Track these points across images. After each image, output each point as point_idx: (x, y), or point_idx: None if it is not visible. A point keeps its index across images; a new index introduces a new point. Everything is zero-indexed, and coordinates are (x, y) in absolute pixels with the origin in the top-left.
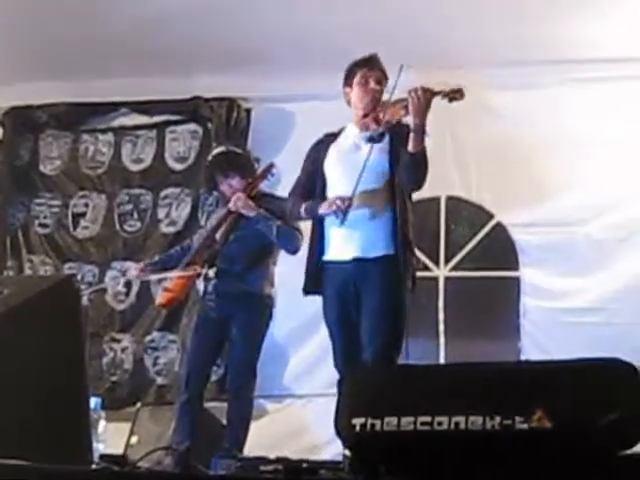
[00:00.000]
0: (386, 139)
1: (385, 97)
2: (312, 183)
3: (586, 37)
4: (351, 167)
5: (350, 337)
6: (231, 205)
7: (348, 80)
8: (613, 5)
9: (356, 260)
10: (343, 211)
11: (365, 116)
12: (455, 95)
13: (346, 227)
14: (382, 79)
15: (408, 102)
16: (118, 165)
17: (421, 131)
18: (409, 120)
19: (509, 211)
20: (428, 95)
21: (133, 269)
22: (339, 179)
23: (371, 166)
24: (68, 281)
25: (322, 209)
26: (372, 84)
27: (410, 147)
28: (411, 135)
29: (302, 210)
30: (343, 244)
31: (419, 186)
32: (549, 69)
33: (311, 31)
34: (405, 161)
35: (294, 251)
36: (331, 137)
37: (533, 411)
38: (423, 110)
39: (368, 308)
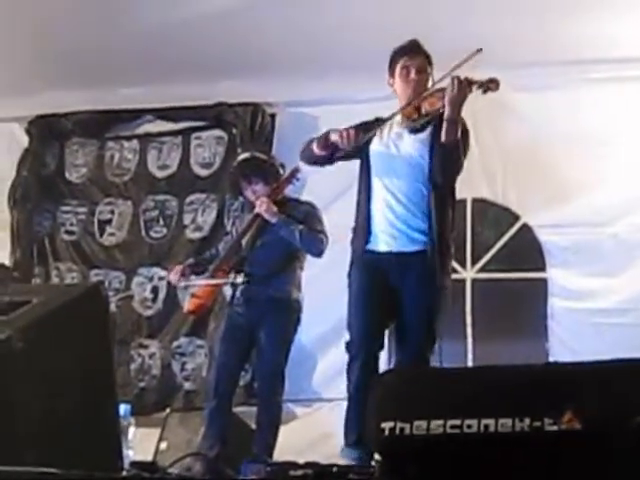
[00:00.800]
0: (428, 130)
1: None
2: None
3: (607, 37)
4: (393, 157)
5: (375, 319)
6: (257, 209)
7: (390, 70)
8: (634, 5)
9: (392, 254)
10: (350, 142)
11: (407, 106)
12: (490, 85)
13: (386, 218)
14: (424, 65)
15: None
16: (144, 172)
17: (454, 121)
18: None
19: (535, 212)
20: (465, 85)
21: (173, 273)
22: (383, 166)
23: (410, 158)
24: (96, 289)
25: (334, 136)
26: (413, 74)
27: (442, 137)
28: (444, 125)
29: (314, 143)
30: (382, 235)
31: (450, 178)
32: (571, 69)
33: (334, 36)
34: (437, 152)
35: (319, 254)
36: (381, 122)
37: (563, 412)
38: (458, 100)
39: (406, 306)
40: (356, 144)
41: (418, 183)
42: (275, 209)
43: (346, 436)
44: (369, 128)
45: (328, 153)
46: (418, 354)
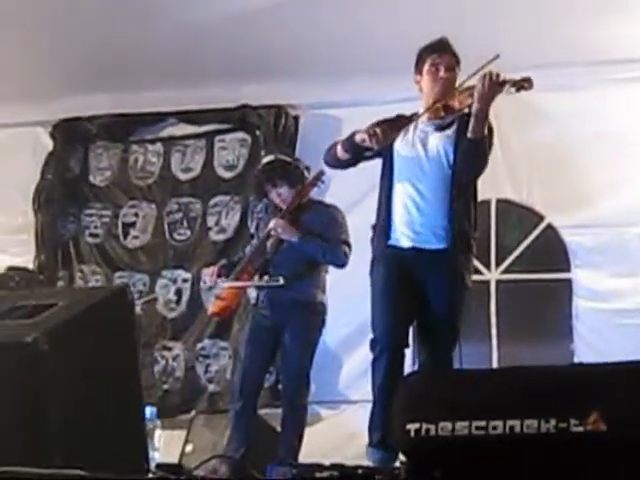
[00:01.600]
0: (454, 127)
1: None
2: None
3: (633, 37)
4: (419, 153)
5: (400, 316)
6: (272, 231)
7: (418, 67)
8: None
9: (415, 249)
10: (378, 139)
11: (435, 103)
12: (524, 84)
13: (409, 214)
14: (453, 64)
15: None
16: (167, 175)
17: (482, 117)
18: None
19: (560, 213)
20: (496, 83)
21: (210, 274)
22: (407, 163)
23: (436, 155)
24: (122, 292)
25: (359, 137)
26: (442, 72)
27: (469, 133)
28: (471, 120)
29: (339, 147)
30: (406, 231)
31: (474, 174)
32: (596, 69)
33: (357, 37)
34: (464, 147)
35: (342, 265)
36: (404, 119)
37: (588, 414)
38: (488, 97)
39: (430, 304)
40: (386, 143)
41: (442, 181)
42: (293, 229)
43: (370, 436)
44: (394, 126)
45: (353, 155)
46: (442, 354)
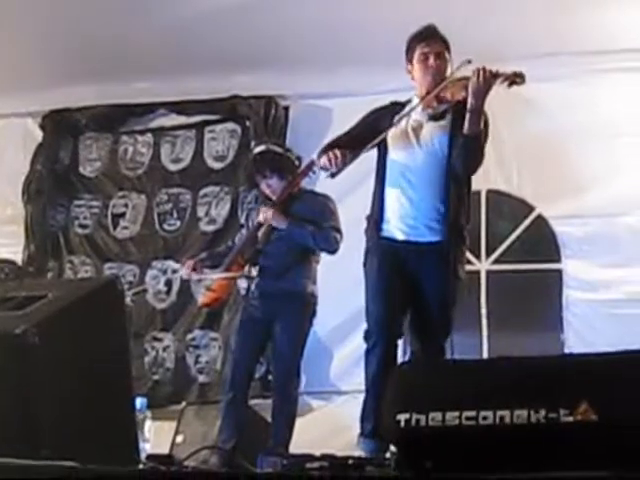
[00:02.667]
0: (448, 118)
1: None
2: (361, 142)
3: (623, 27)
4: (412, 143)
5: (393, 307)
6: (261, 219)
7: (408, 56)
8: None
9: (408, 242)
10: (337, 166)
11: (427, 93)
12: (516, 79)
13: (402, 206)
14: (442, 50)
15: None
16: (157, 165)
17: (477, 113)
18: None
19: (550, 203)
20: (489, 77)
21: (186, 267)
22: (401, 153)
23: (430, 146)
24: (112, 283)
25: (322, 159)
26: (431, 60)
27: (465, 128)
28: (467, 116)
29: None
30: (399, 223)
31: (472, 170)
32: (586, 60)
33: (347, 27)
34: (459, 143)
35: (333, 252)
36: (397, 106)
37: (578, 404)
38: (482, 92)
39: (423, 296)
40: (345, 166)
41: (436, 172)
42: (282, 216)
43: (362, 426)
44: (385, 114)
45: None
46: (434, 345)
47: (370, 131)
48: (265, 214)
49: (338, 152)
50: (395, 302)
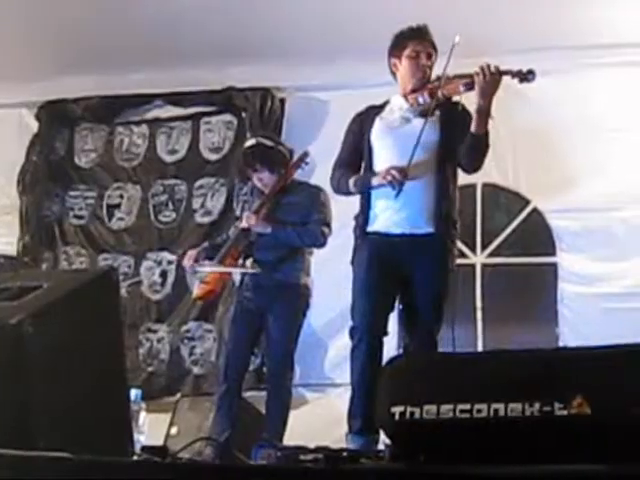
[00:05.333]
0: (437, 113)
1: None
2: (356, 155)
3: (617, 22)
4: (401, 140)
5: (379, 304)
6: (244, 225)
7: (396, 51)
8: None
9: (399, 235)
10: (399, 181)
11: (414, 91)
12: (527, 76)
13: (394, 200)
14: (432, 52)
15: (474, 80)
16: (153, 156)
17: (486, 113)
18: (469, 96)
19: (545, 197)
20: (497, 75)
21: (187, 258)
22: (389, 152)
23: (422, 141)
24: (108, 274)
25: (376, 180)
26: (423, 59)
27: (473, 128)
28: (475, 116)
29: (351, 183)
30: (390, 217)
31: (477, 168)
32: (581, 54)
33: (345, 20)
34: (468, 142)
35: (321, 245)
36: (375, 109)
37: (573, 397)
38: (490, 91)
39: (416, 289)
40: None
41: (426, 167)
42: (264, 221)
43: (350, 423)
44: (364, 120)
45: (362, 191)
46: (428, 337)
47: (360, 142)
48: (248, 221)
49: (393, 169)
50: (381, 300)
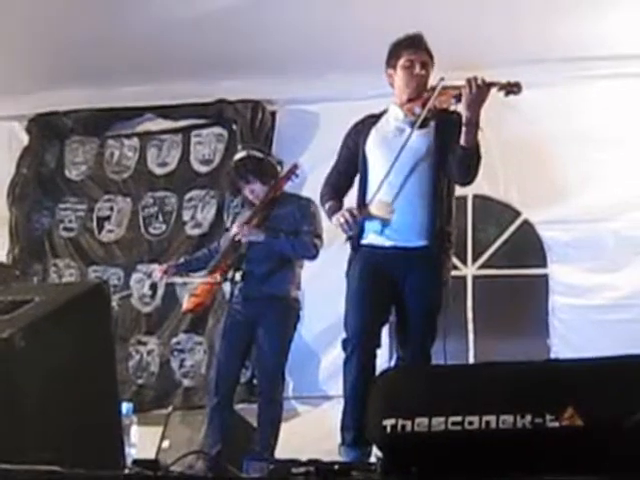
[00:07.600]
0: (431, 124)
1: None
2: (350, 165)
3: (608, 34)
4: (393, 151)
5: (372, 316)
6: (237, 236)
7: (391, 61)
8: (636, 2)
9: (393, 248)
10: (350, 225)
11: (410, 101)
12: (512, 89)
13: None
14: (428, 62)
15: (461, 91)
16: (143, 169)
17: (474, 125)
18: (459, 108)
19: (536, 208)
20: (484, 88)
21: (157, 270)
22: (380, 163)
23: (414, 152)
24: (99, 288)
25: (334, 219)
26: (418, 69)
27: (462, 141)
28: (463, 129)
29: (326, 207)
30: (383, 230)
31: (470, 181)
32: (572, 66)
33: (334, 33)
34: (458, 155)
35: (312, 257)
36: (372, 118)
37: (564, 409)
38: (478, 103)
39: (409, 302)
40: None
41: (420, 179)
42: (257, 230)
43: (343, 436)
44: (360, 130)
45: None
46: (421, 350)
47: (355, 152)
48: (240, 231)
49: (347, 212)
50: (374, 313)
